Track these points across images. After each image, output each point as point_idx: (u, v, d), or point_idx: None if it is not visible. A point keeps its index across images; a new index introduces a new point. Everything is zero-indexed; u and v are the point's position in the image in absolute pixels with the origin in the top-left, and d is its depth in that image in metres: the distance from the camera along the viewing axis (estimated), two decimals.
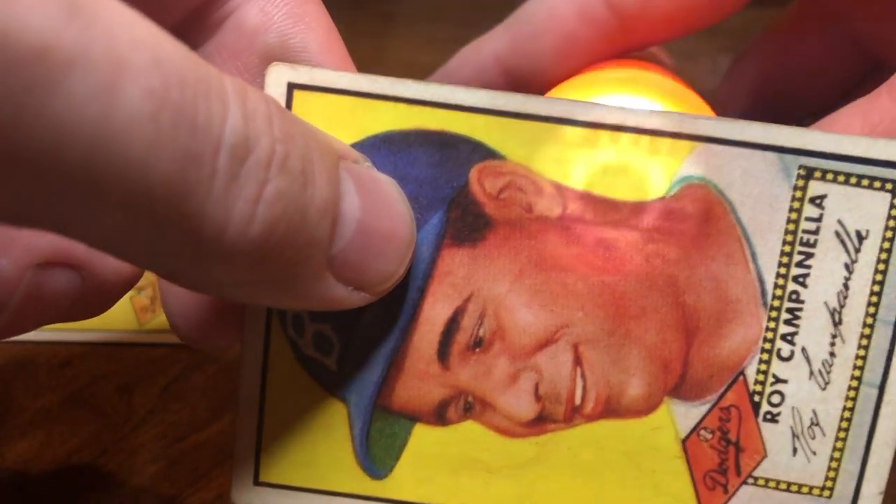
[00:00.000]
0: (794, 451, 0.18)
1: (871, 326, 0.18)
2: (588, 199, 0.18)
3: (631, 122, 0.17)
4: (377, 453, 0.19)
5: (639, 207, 0.18)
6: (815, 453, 0.18)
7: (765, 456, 0.18)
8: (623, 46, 0.25)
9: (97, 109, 0.11)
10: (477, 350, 0.18)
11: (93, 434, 0.25)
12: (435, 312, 0.18)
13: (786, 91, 0.30)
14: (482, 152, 0.18)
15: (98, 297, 0.18)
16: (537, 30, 0.25)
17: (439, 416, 0.19)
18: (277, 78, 0.17)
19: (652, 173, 0.18)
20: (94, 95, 0.11)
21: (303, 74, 0.17)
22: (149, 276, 0.32)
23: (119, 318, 0.30)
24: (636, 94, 0.22)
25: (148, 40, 0.12)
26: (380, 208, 0.16)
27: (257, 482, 0.19)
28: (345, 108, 0.18)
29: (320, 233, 0.15)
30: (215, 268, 0.14)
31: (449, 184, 0.18)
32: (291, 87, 0.17)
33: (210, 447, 0.24)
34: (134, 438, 0.25)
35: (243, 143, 0.13)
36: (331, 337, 0.19)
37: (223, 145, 0.13)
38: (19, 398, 0.26)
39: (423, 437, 0.19)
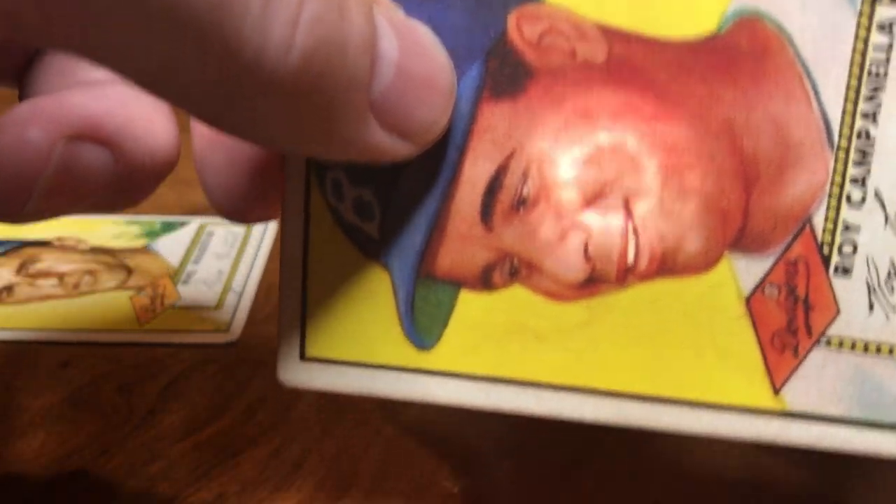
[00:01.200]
0: (871, 307, 0.17)
1: None
2: (634, 40, 0.17)
3: None
4: (423, 322, 0.18)
5: (689, 47, 0.17)
6: (894, 309, 0.17)
7: (838, 313, 0.17)
8: None
9: None
10: (521, 210, 0.18)
11: (93, 434, 0.25)
12: (476, 171, 0.18)
13: None
14: None
15: (131, 182, 0.18)
16: None
17: (485, 281, 0.18)
18: None
19: (702, 8, 0.16)
20: None
21: None
22: (148, 276, 0.33)
23: (119, 318, 0.31)
24: None
25: None
26: (418, 53, 0.16)
27: (304, 357, 0.19)
28: None
29: (360, 71, 0.15)
30: (256, 102, 0.13)
31: (486, 32, 0.17)
32: None
33: (210, 447, 0.24)
34: (134, 438, 0.25)
35: None
36: (371, 202, 0.18)
37: None
38: (19, 398, 0.26)
39: (469, 303, 0.18)
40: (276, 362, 0.19)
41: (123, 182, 0.18)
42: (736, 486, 0.24)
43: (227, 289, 0.33)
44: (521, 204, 0.18)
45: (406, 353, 0.18)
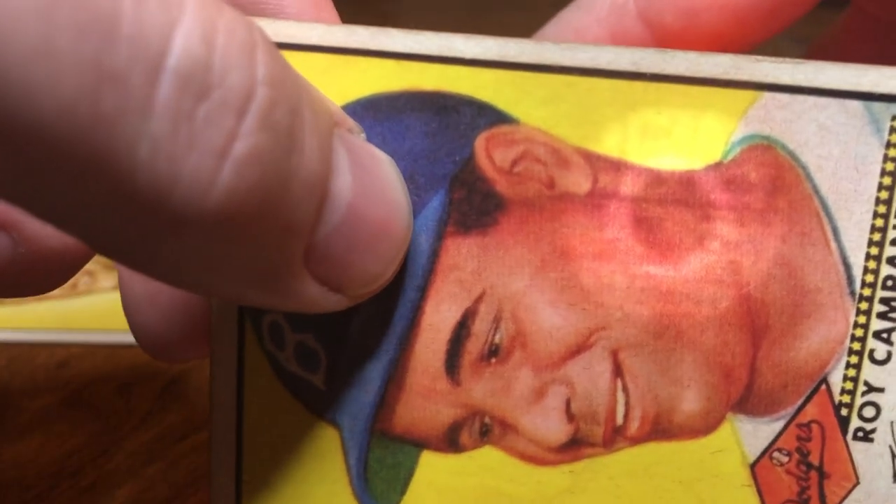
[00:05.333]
0: (895, 476, 0.15)
1: None
2: (624, 168, 0.14)
3: (674, 70, 0.14)
4: (378, 487, 0.16)
5: (688, 177, 0.14)
6: None
7: (857, 483, 0.15)
8: None
9: None
10: (493, 360, 0.15)
11: (92, 434, 0.25)
12: (440, 316, 0.15)
13: None
14: (490, 116, 0.14)
15: (36, 268, 0.16)
16: None
17: (451, 442, 0.15)
18: None
19: (703, 133, 0.14)
20: None
21: (263, 28, 0.14)
22: None
23: (119, 318, 0.30)
24: None
25: None
26: (375, 192, 0.13)
27: None
28: (318, 68, 0.14)
29: (302, 215, 0.12)
30: (164, 243, 0.11)
31: (450, 157, 0.14)
32: None
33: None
34: (134, 438, 0.25)
35: (201, 70, 0.10)
36: (316, 349, 0.15)
37: (166, 67, 0.10)
38: (18, 399, 0.27)
39: (432, 466, 0.15)
40: None
41: (26, 268, 0.16)
42: None
43: None
44: (492, 354, 0.15)
45: None
